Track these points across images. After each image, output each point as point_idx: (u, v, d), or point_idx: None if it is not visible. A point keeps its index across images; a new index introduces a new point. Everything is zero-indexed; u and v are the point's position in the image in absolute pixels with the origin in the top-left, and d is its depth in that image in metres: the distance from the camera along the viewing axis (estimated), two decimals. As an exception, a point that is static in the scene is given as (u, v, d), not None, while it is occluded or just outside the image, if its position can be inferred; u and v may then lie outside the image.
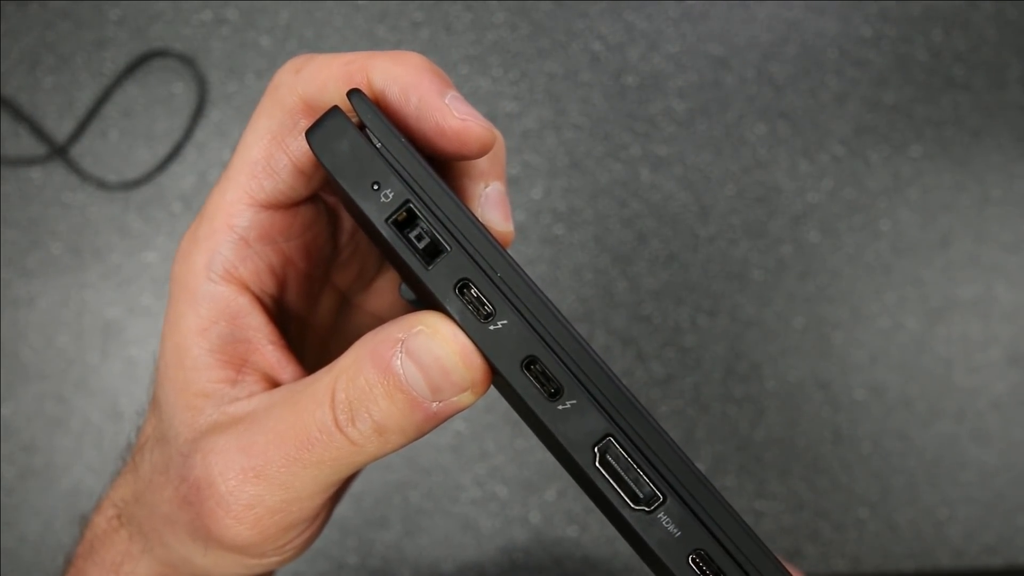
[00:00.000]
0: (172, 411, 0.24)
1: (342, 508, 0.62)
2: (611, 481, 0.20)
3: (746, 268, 0.66)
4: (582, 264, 0.66)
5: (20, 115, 0.66)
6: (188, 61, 0.67)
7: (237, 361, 0.24)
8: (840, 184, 0.68)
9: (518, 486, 0.63)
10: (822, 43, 0.70)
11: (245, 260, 0.24)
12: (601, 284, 0.66)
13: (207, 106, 0.67)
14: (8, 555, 0.61)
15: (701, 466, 0.64)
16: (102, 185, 0.65)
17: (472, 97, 0.68)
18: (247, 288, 0.24)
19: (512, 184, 0.67)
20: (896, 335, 0.66)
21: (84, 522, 0.28)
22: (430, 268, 0.20)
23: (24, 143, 0.66)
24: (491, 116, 0.68)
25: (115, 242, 0.65)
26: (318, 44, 0.68)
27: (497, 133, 0.24)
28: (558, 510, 0.63)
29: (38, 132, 0.66)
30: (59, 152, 0.66)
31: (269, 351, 0.24)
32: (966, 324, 0.66)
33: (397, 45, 0.69)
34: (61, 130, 0.66)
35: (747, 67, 0.69)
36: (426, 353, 0.20)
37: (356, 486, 0.62)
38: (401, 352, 0.20)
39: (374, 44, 0.69)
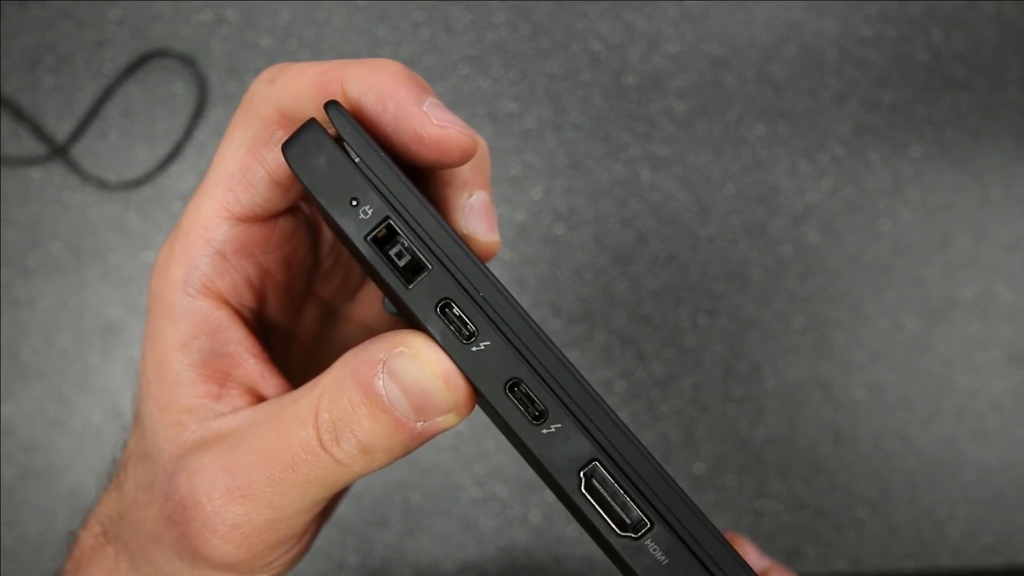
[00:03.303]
0: (156, 427, 0.23)
1: (342, 508, 0.62)
2: (597, 507, 0.20)
3: (746, 268, 0.66)
4: (582, 264, 0.66)
5: (20, 115, 0.66)
6: (188, 61, 0.67)
7: (220, 375, 0.24)
8: (840, 184, 0.68)
9: (518, 486, 0.63)
10: (822, 43, 0.70)
11: (222, 274, 0.24)
12: (601, 284, 0.66)
13: (207, 106, 0.67)
14: (8, 555, 0.61)
15: (701, 466, 0.64)
16: (102, 185, 0.65)
17: (472, 97, 0.68)
18: (226, 302, 0.24)
19: (512, 184, 0.67)
20: (896, 335, 0.66)
21: (72, 538, 0.28)
22: (411, 287, 0.20)
23: (24, 143, 0.66)
24: (491, 116, 0.68)
25: (115, 242, 0.65)
26: (318, 44, 0.68)
27: (480, 140, 0.23)
28: (558, 510, 0.63)
29: (38, 132, 0.66)
30: (59, 152, 0.66)
31: (251, 365, 0.24)
32: (966, 324, 0.66)
33: (397, 45, 0.69)
34: (61, 130, 0.66)
35: (747, 67, 0.69)
36: (407, 375, 0.20)
37: (356, 486, 0.62)
38: (383, 373, 0.20)
39: (374, 44, 0.69)
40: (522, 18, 0.69)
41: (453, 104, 0.68)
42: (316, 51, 0.68)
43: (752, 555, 0.44)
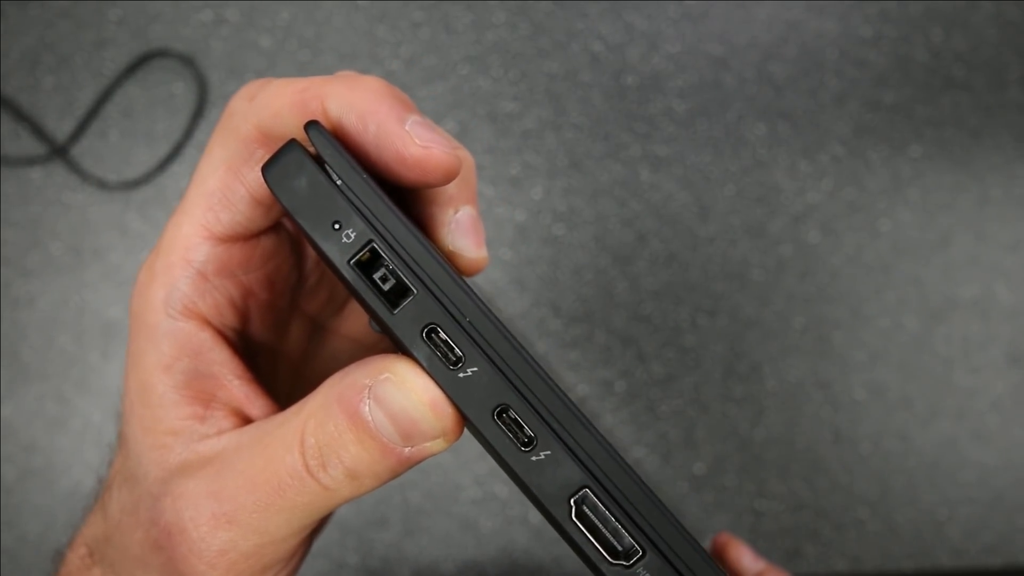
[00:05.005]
0: (140, 449, 0.23)
1: (342, 508, 0.62)
2: (588, 535, 0.20)
3: (746, 268, 0.66)
4: (582, 264, 0.66)
5: (20, 115, 0.66)
6: (188, 61, 0.67)
7: (204, 397, 0.23)
8: (840, 184, 0.68)
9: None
10: (822, 43, 0.70)
11: (204, 295, 0.23)
12: (601, 284, 0.66)
13: (207, 106, 0.67)
14: (8, 555, 0.61)
15: (701, 466, 0.64)
16: (102, 185, 0.65)
17: (472, 97, 0.68)
18: (208, 323, 0.24)
19: (512, 184, 0.67)
20: (896, 335, 0.66)
21: (58, 558, 0.28)
22: (396, 312, 0.20)
23: (24, 143, 0.66)
24: (491, 116, 0.68)
25: (115, 242, 0.65)
26: (318, 44, 0.68)
27: (465, 156, 0.23)
28: (558, 510, 0.63)
29: (38, 132, 0.66)
30: (59, 152, 0.66)
31: (236, 386, 0.24)
32: (966, 324, 0.66)
33: (397, 45, 0.69)
34: (61, 130, 0.66)
35: (747, 67, 0.69)
36: (393, 402, 0.20)
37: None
38: (369, 398, 0.20)
39: (374, 44, 0.69)
40: (522, 18, 0.69)
41: (453, 104, 0.68)
42: (316, 51, 0.68)
43: (747, 557, 0.44)
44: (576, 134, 0.68)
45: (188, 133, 0.67)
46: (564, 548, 0.63)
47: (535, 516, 0.63)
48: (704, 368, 0.65)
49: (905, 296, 0.66)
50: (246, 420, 0.24)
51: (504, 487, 0.63)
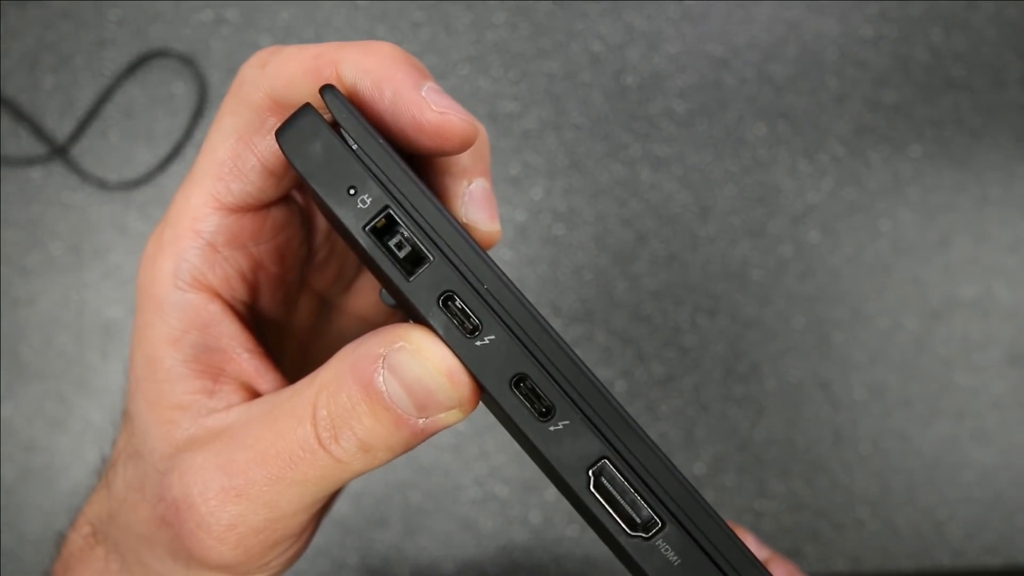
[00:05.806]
0: (146, 425, 0.23)
1: (342, 508, 0.62)
2: (606, 507, 0.19)
3: (746, 268, 0.66)
4: (582, 264, 0.66)
5: (20, 115, 0.66)
6: (188, 61, 0.67)
7: (213, 371, 0.23)
8: (840, 184, 0.68)
9: (518, 486, 0.63)
10: (822, 43, 0.70)
11: (214, 266, 0.23)
12: (601, 284, 0.66)
13: (207, 106, 0.67)
14: (8, 555, 0.61)
15: (701, 466, 0.64)
16: (102, 185, 0.65)
17: (472, 97, 0.68)
18: (218, 295, 0.23)
19: (512, 184, 0.67)
20: (896, 335, 0.66)
21: (60, 539, 0.27)
22: (411, 279, 0.19)
23: (24, 143, 0.66)
24: (491, 116, 0.68)
25: (115, 242, 0.65)
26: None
27: (480, 126, 0.23)
28: (558, 510, 0.63)
29: (38, 132, 0.66)
30: (59, 152, 0.66)
31: (245, 359, 0.23)
32: (966, 324, 0.66)
33: (396, 45, 0.69)
34: (61, 130, 0.66)
35: (747, 67, 0.69)
36: (409, 371, 0.19)
37: (356, 486, 0.62)
38: (383, 368, 0.19)
39: (374, 44, 0.69)
40: (522, 18, 0.69)
41: (453, 104, 0.68)
42: (316, 51, 0.68)
43: (751, 545, 0.44)
44: (576, 134, 0.68)
45: (188, 133, 0.67)
46: (564, 548, 0.63)
47: (535, 516, 0.63)
48: (704, 368, 0.65)
49: (905, 296, 0.66)
50: (255, 394, 0.23)
51: (504, 487, 0.63)
